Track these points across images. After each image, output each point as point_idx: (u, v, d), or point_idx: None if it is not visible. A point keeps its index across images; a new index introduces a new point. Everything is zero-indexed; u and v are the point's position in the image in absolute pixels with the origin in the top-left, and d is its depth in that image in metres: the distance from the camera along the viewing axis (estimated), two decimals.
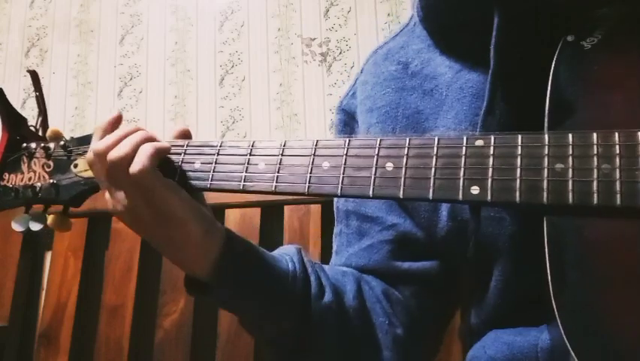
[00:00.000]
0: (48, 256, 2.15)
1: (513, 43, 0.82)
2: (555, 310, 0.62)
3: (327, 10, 2.27)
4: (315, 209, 1.94)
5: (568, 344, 0.60)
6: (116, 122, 0.84)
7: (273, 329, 0.92)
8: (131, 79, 2.38)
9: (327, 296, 0.91)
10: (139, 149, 0.78)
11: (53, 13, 2.52)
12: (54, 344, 2.00)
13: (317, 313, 0.90)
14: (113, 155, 0.78)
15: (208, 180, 0.82)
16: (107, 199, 0.83)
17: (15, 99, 2.35)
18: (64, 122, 2.37)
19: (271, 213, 1.99)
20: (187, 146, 0.85)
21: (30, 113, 2.21)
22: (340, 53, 2.23)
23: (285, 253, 0.94)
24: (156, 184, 0.78)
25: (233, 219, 1.97)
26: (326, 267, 1.00)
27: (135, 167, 0.76)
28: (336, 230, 1.11)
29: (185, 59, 2.36)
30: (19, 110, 0.98)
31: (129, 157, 0.77)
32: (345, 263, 1.05)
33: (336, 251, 1.10)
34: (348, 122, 1.10)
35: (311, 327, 0.90)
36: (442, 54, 0.96)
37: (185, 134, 0.87)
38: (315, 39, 2.26)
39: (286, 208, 1.96)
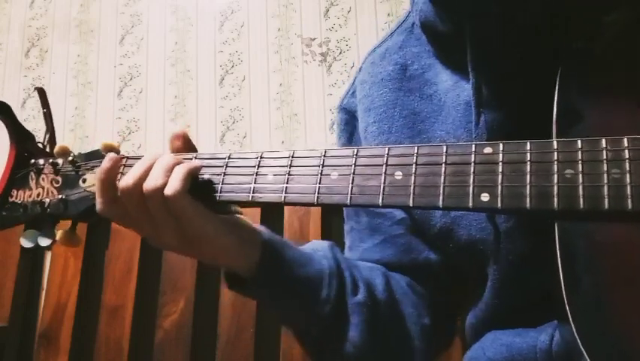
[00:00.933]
0: (48, 256, 2.15)
1: (488, 57, 0.84)
2: (568, 312, 0.62)
3: (327, 10, 2.27)
4: (315, 209, 1.95)
5: (581, 346, 0.61)
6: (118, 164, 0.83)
7: (308, 322, 0.94)
8: (131, 79, 2.38)
9: (362, 292, 0.93)
10: (172, 173, 0.78)
11: (53, 13, 2.52)
12: (54, 344, 2.00)
13: (352, 308, 0.92)
14: (149, 185, 0.77)
15: (217, 192, 0.82)
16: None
17: (15, 99, 2.34)
18: (64, 122, 2.37)
19: (271, 214, 1.99)
20: (195, 158, 0.85)
21: (30, 113, 2.22)
22: (340, 53, 2.23)
23: (318, 250, 0.95)
24: (188, 208, 0.78)
25: None
26: (356, 262, 1.02)
27: (169, 190, 0.76)
28: (346, 227, 1.13)
29: (185, 59, 2.36)
30: (19, 110, 0.98)
31: (165, 185, 0.77)
32: (360, 258, 1.06)
33: (349, 247, 1.11)
34: (349, 121, 1.11)
35: (346, 322, 0.92)
36: (442, 62, 0.97)
37: (184, 137, 0.87)
38: (315, 39, 2.26)
39: (286, 209, 1.97)
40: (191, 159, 0.84)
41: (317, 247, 0.97)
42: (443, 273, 1.02)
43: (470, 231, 0.88)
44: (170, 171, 0.78)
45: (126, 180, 0.79)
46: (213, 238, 0.81)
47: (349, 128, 1.10)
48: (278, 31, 2.30)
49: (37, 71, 2.46)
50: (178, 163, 0.79)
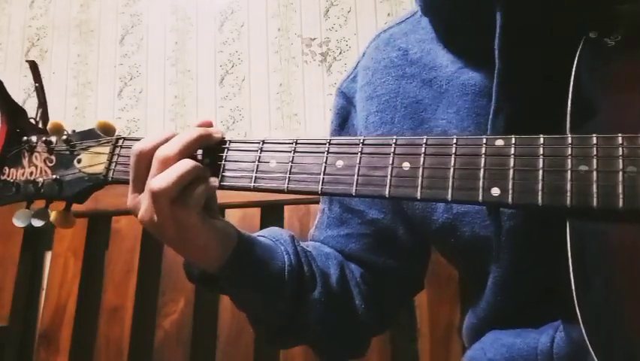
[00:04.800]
0: (48, 256, 2.14)
1: (517, 43, 0.80)
2: (578, 313, 0.61)
3: (327, 10, 2.27)
4: (315, 209, 1.92)
5: (590, 347, 0.60)
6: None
7: (266, 315, 0.97)
8: (131, 79, 2.38)
9: (318, 287, 0.95)
10: (193, 190, 0.77)
11: (53, 13, 2.51)
12: (54, 345, 2.00)
13: (307, 305, 0.94)
14: (156, 185, 0.76)
15: (218, 177, 0.81)
16: (131, 205, 0.83)
17: (15, 99, 2.21)
18: (64, 122, 2.34)
19: (271, 213, 1.98)
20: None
21: (31, 112, 2.21)
22: (340, 53, 2.22)
23: (280, 243, 0.96)
24: (194, 220, 0.78)
25: (233, 219, 1.96)
26: (312, 249, 1.03)
27: (182, 205, 0.77)
28: (320, 206, 1.15)
29: (185, 59, 2.35)
30: None
31: (173, 191, 0.76)
32: (323, 241, 1.09)
33: (316, 226, 1.14)
34: (345, 106, 1.10)
35: (300, 316, 0.94)
36: (445, 47, 0.95)
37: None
38: (315, 39, 2.26)
39: (286, 208, 1.96)
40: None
41: (279, 237, 0.97)
42: (398, 277, 1.07)
43: (474, 228, 0.88)
44: (183, 180, 0.77)
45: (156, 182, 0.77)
46: (207, 245, 0.82)
47: (343, 113, 1.10)
48: (278, 31, 2.30)
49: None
50: (197, 177, 0.79)
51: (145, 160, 0.79)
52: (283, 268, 0.92)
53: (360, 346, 1.08)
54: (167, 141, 0.79)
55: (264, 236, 0.97)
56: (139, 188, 0.81)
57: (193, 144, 0.79)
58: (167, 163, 0.77)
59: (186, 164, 0.77)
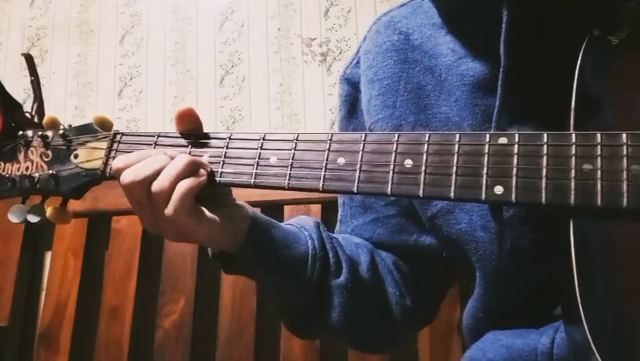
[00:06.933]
0: (48, 256, 2.14)
1: (523, 40, 0.80)
2: (581, 313, 0.61)
3: (327, 10, 2.27)
4: (315, 209, 1.93)
5: (594, 348, 0.59)
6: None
7: (289, 300, 0.95)
8: (131, 79, 2.38)
9: (344, 273, 0.94)
10: (175, 188, 0.77)
11: (53, 13, 2.51)
12: (54, 345, 1.99)
13: (333, 290, 0.93)
14: (156, 188, 0.76)
15: (217, 174, 0.80)
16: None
17: (15, 99, 2.23)
18: (64, 122, 2.34)
19: (271, 213, 1.96)
20: (194, 138, 0.83)
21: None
22: (340, 53, 2.23)
23: (305, 229, 0.95)
24: (188, 222, 0.78)
25: None
26: (341, 238, 1.01)
27: (170, 210, 0.76)
28: (340, 200, 1.13)
29: (185, 59, 2.35)
30: None
31: (169, 193, 0.76)
32: (350, 233, 1.07)
33: (340, 220, 1.12)
34: (351, 93, 1.09)
35: (326, 303, 0.93)
36: (447, 35, 0.94)
37: (191, 115, 0.84)
38: (315, 39, 2.26)
39: (286, 208, 1.95)
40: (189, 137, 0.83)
41: (304, 224, 0.96)
42: (433, 256, 1.02)
43: (472, 217, 0.87)
44: (177, 181, 0.77)
45: (138, 171, 0.78)
46: (210, 239, 0.83)
47: (350, 100, 1.08)
48: (278, 31, 2.30)
49: (37, 71, 2.44)
50: (186, 174, 0.78)
51: (139, 194, 0.79)
52: (306, 252, 0.91)
53: (395, 337, 1.06)
54: (157, 174, 0.78)
55: (290, 224, 0.96)
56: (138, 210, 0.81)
57: (184, 172, 0.79)
58: (165, 199, 0.77)
59: (180, 167, 0.78)
